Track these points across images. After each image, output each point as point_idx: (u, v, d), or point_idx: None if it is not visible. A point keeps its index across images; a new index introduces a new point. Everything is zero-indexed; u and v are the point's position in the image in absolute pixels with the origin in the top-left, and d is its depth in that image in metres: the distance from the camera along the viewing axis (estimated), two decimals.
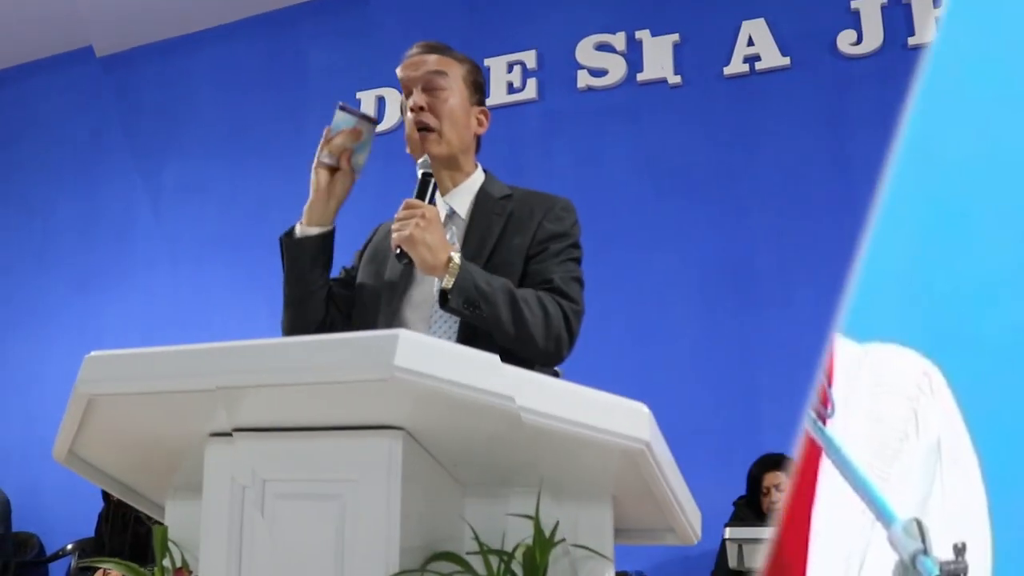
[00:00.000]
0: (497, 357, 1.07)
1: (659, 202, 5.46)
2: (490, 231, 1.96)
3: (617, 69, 5.76)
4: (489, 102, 5.96)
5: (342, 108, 1.95)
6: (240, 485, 1.12)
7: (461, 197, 2.04)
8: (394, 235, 1.81)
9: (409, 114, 1.98)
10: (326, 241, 1.98)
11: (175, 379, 1.11)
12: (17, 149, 7.35)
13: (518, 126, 5.79)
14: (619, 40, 5.80)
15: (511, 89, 5.97)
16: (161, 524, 1.44)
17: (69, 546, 5.82)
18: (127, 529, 5.15)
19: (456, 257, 1.78)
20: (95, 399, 1.19)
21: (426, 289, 1.93)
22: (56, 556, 5.90)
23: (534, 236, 1.95)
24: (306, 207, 1.98)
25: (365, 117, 1.96)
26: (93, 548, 5.44)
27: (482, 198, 2.03)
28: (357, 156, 1.97)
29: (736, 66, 5.56)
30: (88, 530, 5.57)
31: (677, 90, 5.66)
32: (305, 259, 1.96)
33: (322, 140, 1.96)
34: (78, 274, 6.78)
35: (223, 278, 6.38)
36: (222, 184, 6.62)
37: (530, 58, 5.99)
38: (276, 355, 1.02)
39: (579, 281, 1.95)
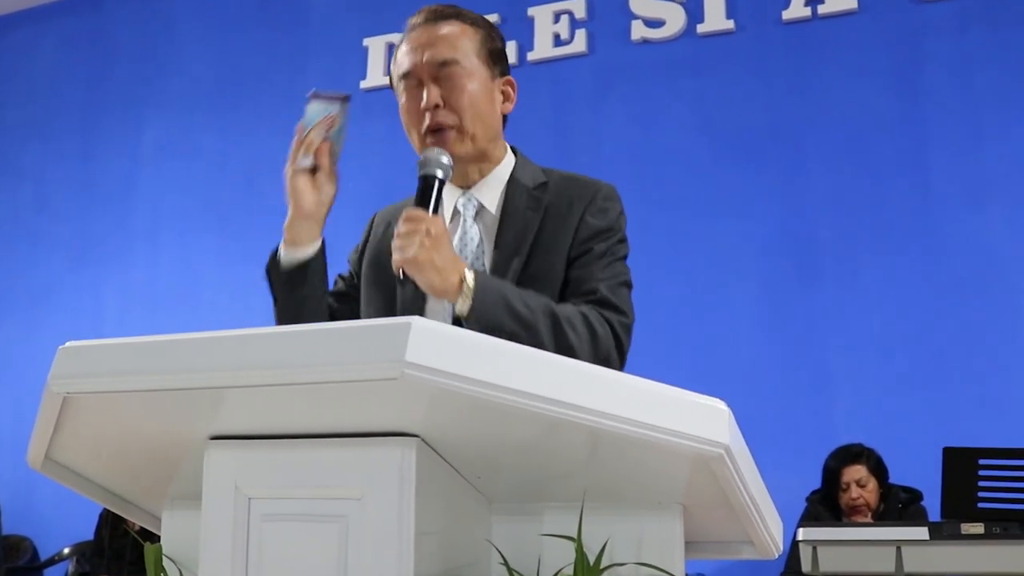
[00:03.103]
0: (533, 348, 1.02)
1: (716, 166, 5.41)
2: (525, 231, 1.89)
3: (675, 19, 5.68)
4: (533, 56, 5.93)
5: (315, 96, 1.86)
6: (245, 496, 1.09)
7: (490, 188, 1.96)
8: (395, 255, 1.73)
9: (425, 117, 1.88)
10: (318, 261, 1.91)
11: (159, 376, 1.07)
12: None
13: (565, 83, 5.75)
14: None
15: (558, 42, 5.93)
16: (157, 539, 1.41)
17: (66, 550, 5.89)
18: (129, 532, 5.19)
19: (470, 278, 1.71)
20: (71, 398, 1.15)
21: (446, 306, 1.84)
22: (51, 561, 5.98)
23: (576, 234, 1.88)
24: (287, 225, 1.89)
25: (339, 98, 1.88)
26: (92, 553, 5.49)
27: (513, 189, 1.94)
28: (336, 143, 1.88)
29: (796, 9, 5.48)
30: (87, 533, 5.64)
31: (729, 37, 5.57)
32: (299, 292, 1.89)
33: (295, 141, 1.86)
34: (74, 246, 6.80)
35: (216, 249, 6.38)
36: (208, 142, 6.59)
37: (579, 7, 5.93)
38: (261, 351, 0.97)
39: (627, 285, 1.90)
